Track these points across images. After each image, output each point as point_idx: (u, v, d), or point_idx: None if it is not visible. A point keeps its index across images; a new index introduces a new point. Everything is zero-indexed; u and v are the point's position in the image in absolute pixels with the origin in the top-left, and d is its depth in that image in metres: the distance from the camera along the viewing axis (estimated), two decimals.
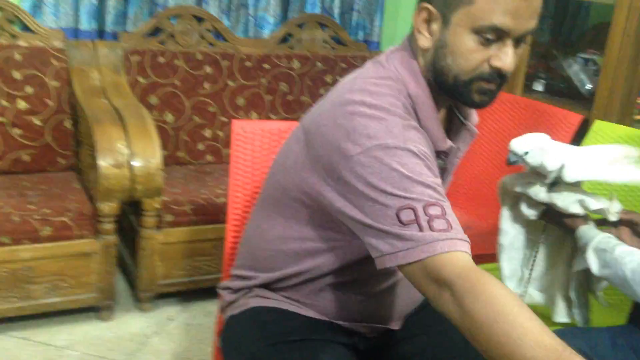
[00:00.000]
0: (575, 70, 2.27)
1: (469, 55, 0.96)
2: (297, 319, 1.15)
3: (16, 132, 2.32)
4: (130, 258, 2.33)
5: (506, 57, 0.95)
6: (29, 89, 2.33)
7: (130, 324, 2.17)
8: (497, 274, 1.69)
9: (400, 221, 0.90)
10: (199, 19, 2.71)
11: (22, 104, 2.32)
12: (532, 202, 1.47)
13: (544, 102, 2.23)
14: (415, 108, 1.02)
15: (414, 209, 0.90)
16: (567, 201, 1.42)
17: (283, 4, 2.92)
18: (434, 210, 0.90)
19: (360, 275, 1.13)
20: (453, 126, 1.13)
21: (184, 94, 2.60)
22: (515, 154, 1.45)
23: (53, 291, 2.06)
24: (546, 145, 1.43)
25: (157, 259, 2.20)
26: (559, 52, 2.45)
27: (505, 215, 1.54)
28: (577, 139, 1.94)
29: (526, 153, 1.43)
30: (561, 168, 1.38)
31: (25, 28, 2.41)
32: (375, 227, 0.92)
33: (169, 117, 2.58)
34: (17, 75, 2.31)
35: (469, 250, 0.91)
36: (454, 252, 0.88)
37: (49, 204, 2.05)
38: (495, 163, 2.17)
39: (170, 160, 2.58)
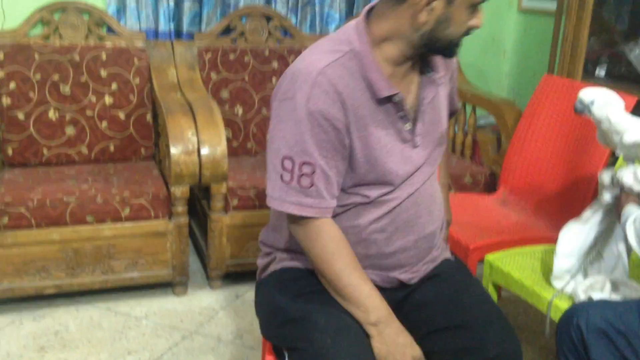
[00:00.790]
0: (637, 54, 2.23)
1: (464, 24, 1.22)
2: (309, 274, 1.31)
3: (103, 125, 2.57)
4: (203, 240, 2.52)
5: (480, 18, 1.23)
6: (114, 86, 2.58)
7: (201, 299, 2.36)
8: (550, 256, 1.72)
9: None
10: (268, 18, 2.87)
11: (108, 100, 2.57)
12: (608, 187, 1.53)
13: (605, 87, 2.20)
14: (359, 60, 1.23)
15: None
16: (623, 172, 1.47)
17: (348, 0, 3.03)
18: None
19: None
20: (421, 79, 1.32)
21: (253, 88, 2.77)
22: (582, 102, 1.55)
23: (132, 267, 2.28)
24: (612, 99, 1.51)
25: (224, 240, 2.37)
26: (620, 37, 2.40)
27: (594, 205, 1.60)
28: None
29: (592, 102, 1.52)
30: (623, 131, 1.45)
31: (110, 30, 2.66)
32: None
33: (239, 110, 2.76)
34: (103, 73, 2.56)
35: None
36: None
37: (129, 188, 2.27)
38: (551, 149, 2.17)
39: (240, 151, 2.76)
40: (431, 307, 1.33)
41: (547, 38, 2.72)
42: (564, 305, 1.55)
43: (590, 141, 2.04)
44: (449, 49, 1.25)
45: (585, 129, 2.07)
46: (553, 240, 1.95)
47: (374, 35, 1.25)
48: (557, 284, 1.63)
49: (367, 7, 1.27)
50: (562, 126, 2.17)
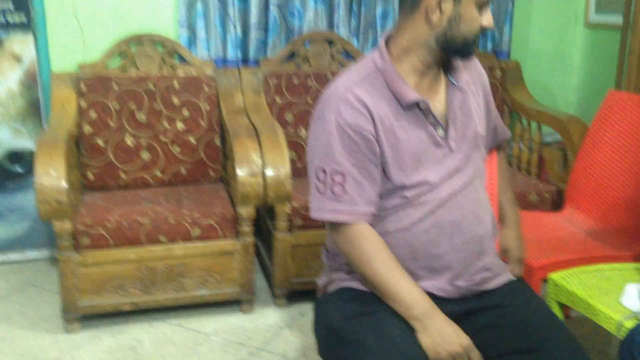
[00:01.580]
0: None
1: (475, 22, 1.30)
2: (368, 296, 1.35)
3: (176, 149, 2.71)
4: (268, 259, 2.60)
5: (490, 18, 1.32)
6: (185, 112, 2.72)
7: (267, 317, 2.43)
8: (625, 273, 1.70)
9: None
10: (330, 42, 2.95)
11: (180, 125, 2.71)
12: None
13: None
14: (383, 76, 1.34)
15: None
16: None
17: None
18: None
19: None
20: (447, 87, 1.40)
21: None
22: None
23: (202, 285, 2.38)
24: None
25: (289, 259, 2.44)
26: None
27: None
28: None
29: None
30: None
31: (182, 59, 2.82)
32: None
33: (303, 133, 2.84)
34: (176, 100, 2.71)
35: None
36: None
37: (199, 209, 2.38)
38: (618, 165, 2.12)
39: (304, 172, 2.78)
40: (498, 329, 1.33)
41: (614, 53, 2.66)
42: (631, 325, 1.51)
43: None
44: (466, 49, 1.34)
45: None
46: (620, 259, 1.91)
47: (394, 52, 1.36)
48: (628, 303, 1.60)
49: (385, 34, 1.40)
50: (629, 142, 2.12)
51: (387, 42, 1.38)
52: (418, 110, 1.34)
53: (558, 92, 3.30)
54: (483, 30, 1.33)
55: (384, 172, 1.34)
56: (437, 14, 1.28)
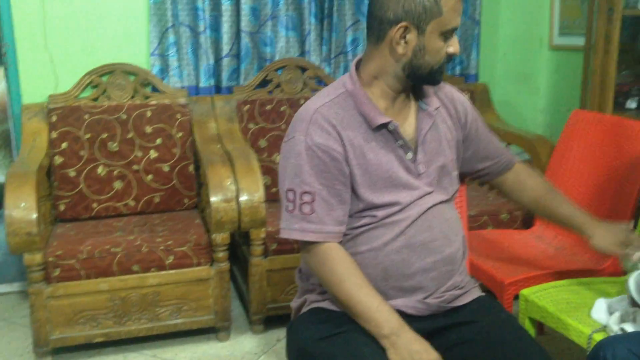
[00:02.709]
0: None
1: (440, 52, 1.33)
2: (339, 316, 1.36)
3: (149, 178, 2.70)
4: (244, 284, 2.59)
5: (457, 45, 1.35)
6: (158, 141, 2.72)
7: (244, 344, 2.41)
8: (595, 287, 1.73)
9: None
10: (303, 69, 2.99)
11: (153, 154, 2.71)
12: None
13: (637, 119, 2.20)
14: (353, 99, 1.37)
15: None
16: None
17: None
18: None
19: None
20: (417, 112, 1.43)
21: None
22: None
23: (177, 313, 2.36)
24: None
25: (265, 284, 2.43)
26: None
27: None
28: None
29: None
30: None
31: (155, 89, 2.83)
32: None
33: (277, 158, 2.85)
34: (148, 129, 2.71)
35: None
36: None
37: (173, 237, 2.37)
38: (584, 182, 2.17)
39: (279, 196, 2.83)
40: (468, 345, 1.34)
41: (577, 73, 2.73)
42: (600, 338, 1.53)
43: (622, 173, 2.03)
44: (432, 77, 1.37)
45: (617, 159, 2.06)
46: (589, 273, 1.94)
47: (364, 77, 1.39)
48: (597, 316, 1.62)
49: (355, 60, 1.43)
50: (592, 159, 2.17)
51: (358, 65, 1.41)
52: (387, 132, 1.36)
53: (526, 113, 3.37)
54: (450, 57, 1.36)
55: (354, 192, 1.35)
56: (402, 46, 1.32)
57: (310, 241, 1.34)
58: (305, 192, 1.32)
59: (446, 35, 1.32)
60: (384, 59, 1.35)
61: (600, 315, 1.62)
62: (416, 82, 1.39)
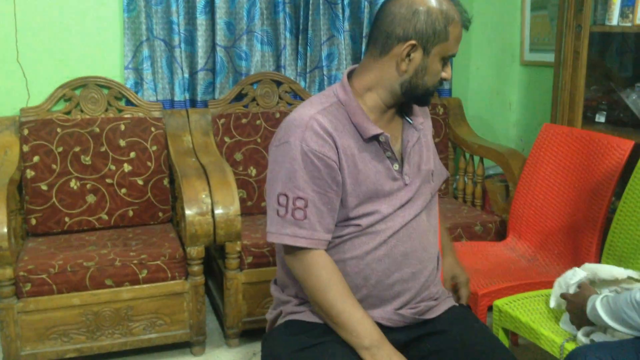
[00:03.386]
0: (633, 99, 2.29)
1: (438, 74, 1.38)
2: (315, 328, 1.37)
3: (122, 191, 2.68)
4: (220, 298, 2.57)
5: (449, 72, 1.41)
6: (132, 154, 2.70)
7: (219, 358, 2.39)
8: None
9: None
10: (278, 83, 3.00)
11: (127, 167, 2.69)
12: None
13: (606, 132, 2.25)
14: (345, 108, 1.38)
15: None
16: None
17: (355, 62, 3.15)
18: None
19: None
20: (403, 125, 1.47)
21: (265, 150, 2.87)
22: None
23: (151, 328, 2.33)
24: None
25: (240, 298, 2.41)
26: (617, 84, 2.46)
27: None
28: (632, 163, 1.96)
29: None
30: None
31: (129, 102, 2.81)
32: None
33: (253, 171, 2.85)
34: (122, 143, 2.69)
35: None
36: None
37: (147, 251, 2.35)
38: (555, 194, 2.21)
39: (254, 210, 2.83)
40: (442, 355, 1.35)
41: (548, 88, 2.79)
42: (571, 347, 1.56)
43: (592, 185, 2.07)
44: (425, 97, 1.42)
45: (587, 172, 2.11)
46: None
47: (356, 88, 1.41)
48: (566, 327, 1.64)
49: (347, 69, 1.45)
50: (563, 172, 2.21)
51: (349, 76, 1.42)
52: (377, 144, 1.38)
53: (498, 127, 3.42)
54: (442, 81, 1.41)
55: (342, 201, 1.36)
56: (405, 62, 1.35)
57: (298, 247, 1.34)
58: (299, 198, 1.31)
59: (445, 60, 1.37)
60: (384, 73, 1.37)
61: (569, 325, 1.64)
62: (408, 101, 1.42)
